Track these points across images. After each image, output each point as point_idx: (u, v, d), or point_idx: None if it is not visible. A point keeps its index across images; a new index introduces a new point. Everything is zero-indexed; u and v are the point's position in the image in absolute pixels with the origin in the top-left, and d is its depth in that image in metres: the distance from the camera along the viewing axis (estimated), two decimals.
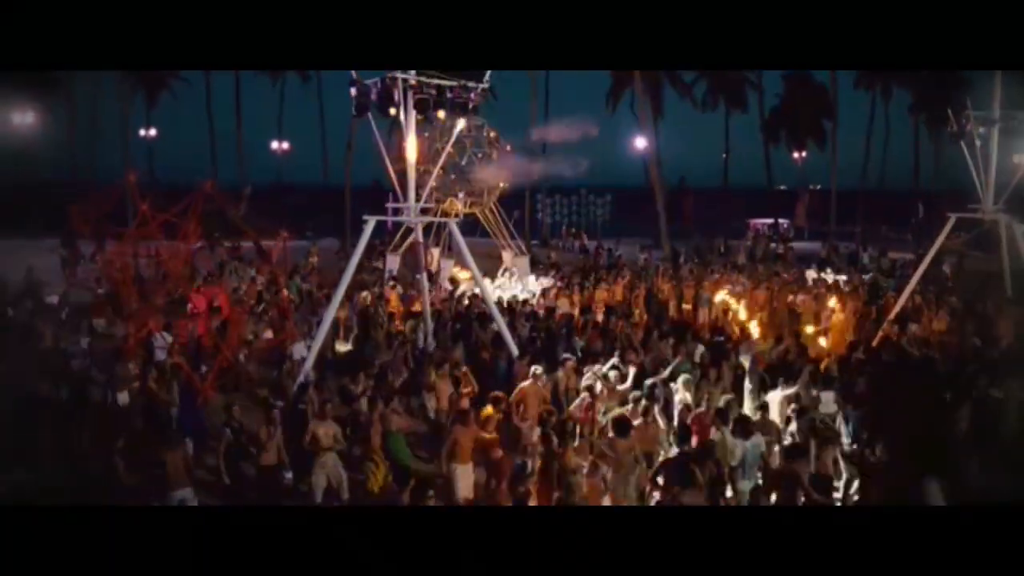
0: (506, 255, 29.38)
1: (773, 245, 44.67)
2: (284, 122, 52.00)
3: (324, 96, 49.23)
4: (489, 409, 11.57)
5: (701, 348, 15.45)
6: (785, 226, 51.50)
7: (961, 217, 21.99)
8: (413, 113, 15.22)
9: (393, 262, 28.48)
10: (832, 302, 21.50)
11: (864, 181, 50.76)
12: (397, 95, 14.88)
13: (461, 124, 18.58)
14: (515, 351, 15.47)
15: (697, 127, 46.74)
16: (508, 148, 28.19)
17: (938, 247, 22.28)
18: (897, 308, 21.58)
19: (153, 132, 47.99)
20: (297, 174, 55.17)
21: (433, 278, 23.31)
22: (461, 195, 27.83)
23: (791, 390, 12.90)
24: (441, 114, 15.65)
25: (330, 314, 16.30)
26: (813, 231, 50.82)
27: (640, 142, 44.33)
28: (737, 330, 18.60)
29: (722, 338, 16.44)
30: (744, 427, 11.16)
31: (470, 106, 15.83)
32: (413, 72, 15.13)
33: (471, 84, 15.80)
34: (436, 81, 15.25)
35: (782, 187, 56.44)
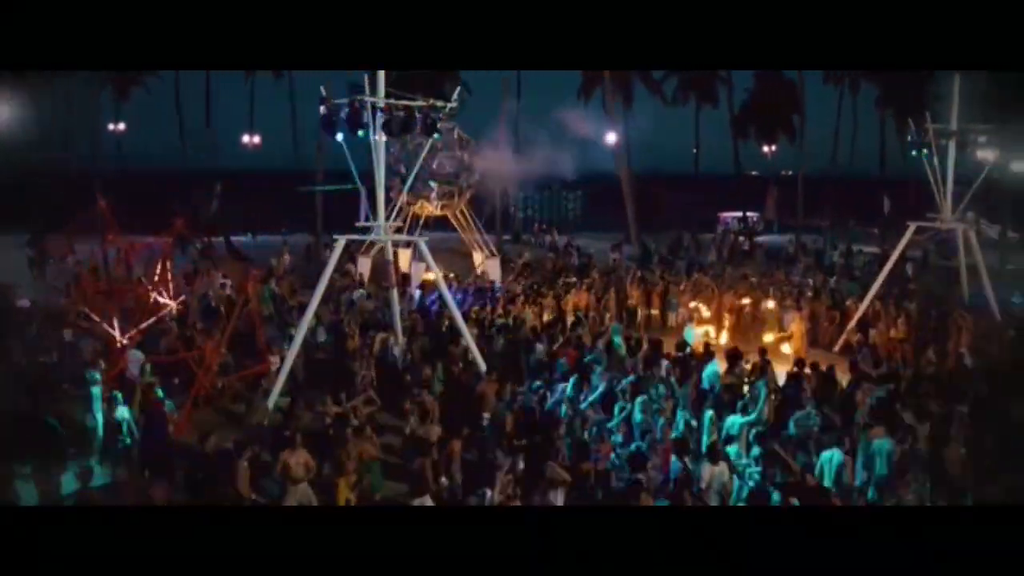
0: (477, 256, 29.64)
1: (741, 239, 45.26)
2: (255, 115, 51.83)
3: (296, 91, 48.96)
4: (456, 445, 11.90)
5: (665, 363, 15.75)
6: (754, 219, 52.04)
7: (921, 225, 22.62)
8: (382, 136, 15.38)
9: (365, 265, 28.65)
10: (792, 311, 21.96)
11: (832, 173, 51.33)
12: (366, 117, 15.02)
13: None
14: (483, 367, 15.75)
15: (668, 121, 46.87)
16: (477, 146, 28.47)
17: (899, 254, 22.85)
18: (858, 314, 22.11)
19: (122, 126, 47.59)
20: (268, 168, 54.89)
21: (404, 287, 23.36)
22: (433, 197, 28.04)
23: (752, 416, 13.15)
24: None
25: (301, 331, 16.44)
26: (783, 225, 51.42)
27: (611, 137, 44.55)
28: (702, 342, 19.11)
29: (687, 352, 16.65)
30: (712, 452, 11.49)
31: (438, 125, 16.03)
32: (382, 94, 15.33)
33: (439, 104, 16.01)
34: (405, 103, 15.43)
35: (754, 172, 56.83)
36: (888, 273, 22.98)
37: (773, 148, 53.33)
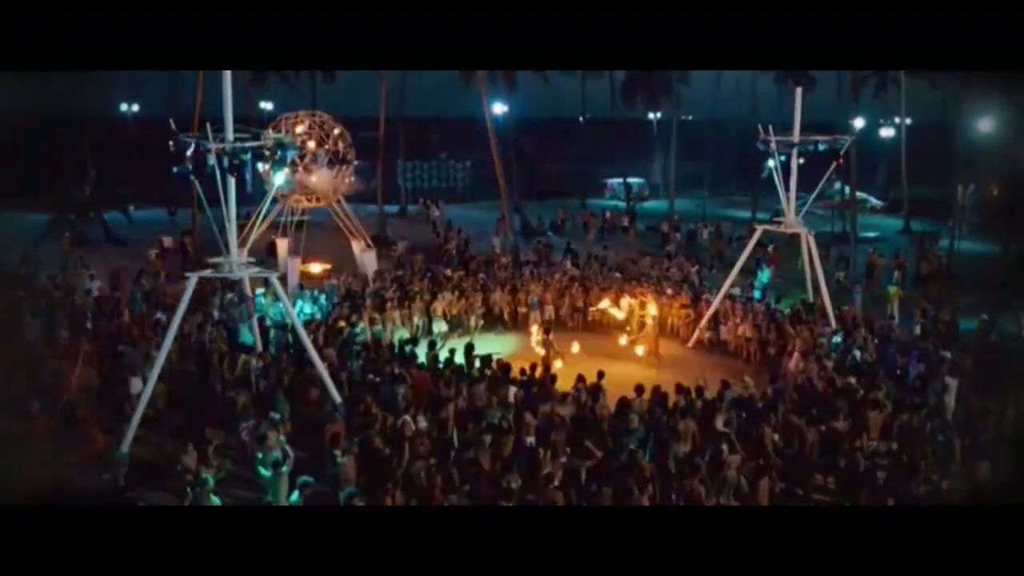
0: (355, 245, 29.91)
1: (624, 206, 46.54)
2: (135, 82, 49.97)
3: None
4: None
5: (514, 390, 16.52)
6: (640, 186, 53.28)
7: (767, 228, 24.04)
8: (231, 179, 15.53)
9: (282, 247, 28.92)
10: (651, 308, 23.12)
11: (713, 119, 52.24)
12: (211, 160, 15.14)
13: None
14: (338, 399, 16.25)
15: (553, 92, 46.67)
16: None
17: (747, 254, 24.22)
18: (710, 312, 23.44)
19: None
20: (148, 137, 53.33)
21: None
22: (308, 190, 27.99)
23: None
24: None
25: (162, 355, 16.56)
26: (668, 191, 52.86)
27: (498, 107, 44.85)
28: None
29: (530, 378, 17.37)
30: None
31: (288, 160, 16.27)
32: (231, 136, 15.45)
33: (287, 140, 16.24)
34: (251, 144, 15.59)
35: (653, 117, 56.66)
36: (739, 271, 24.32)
37: (658, 115, 54.34)
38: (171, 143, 15.89)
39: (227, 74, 16.23)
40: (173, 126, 15.98)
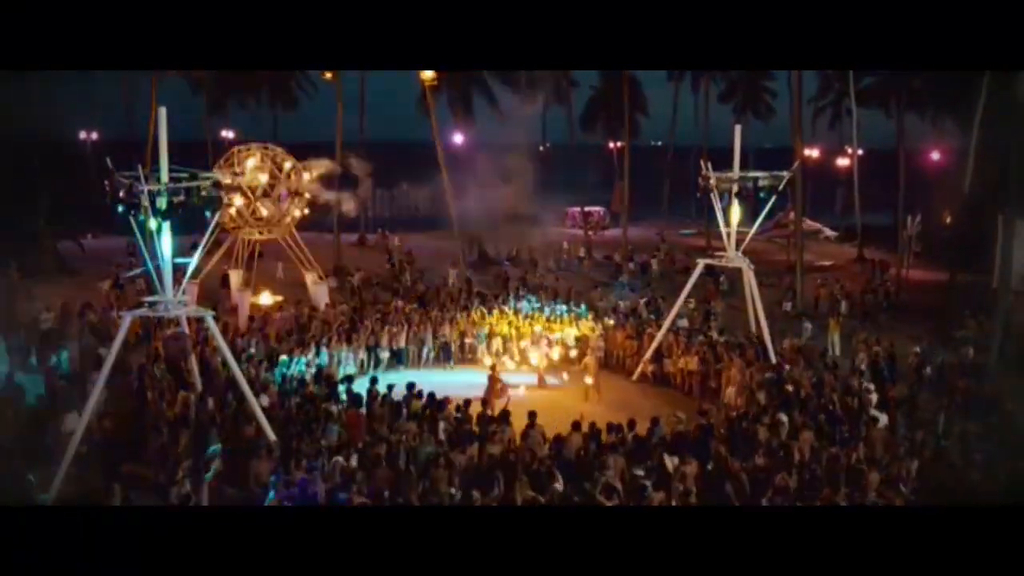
0: (308, 277, 29.92)
1: (585, 233, 46.83)
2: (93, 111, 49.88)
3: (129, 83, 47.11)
4: None
5: (444, 425, 16.61)
6: (600, 214, 53.71)
7: (708, 263, 24.47)
8: (166, 221, 15.62)
9: (235, 278, 28.91)
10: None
11: (668, 147, 52.74)
12: (144, 200, 15.22)
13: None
14: (272, 437, 16.25)
15: (515, 123, 46.81)
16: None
17: (689, 288, 24.58)
18: (654, 346, 23.71)
19: None
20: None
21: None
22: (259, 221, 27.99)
23: None
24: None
25: (96, 392, 16.47)
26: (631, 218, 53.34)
27: (458, 137, 45.18)
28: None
29: (461, 416, 17.47)
30: None
31: (224, 199, 16.39)
32: (165, 178, 15.55)
33: (225, 180, 16.37)
34: (186, 184, 15.69)
35: (618, 143, 56.97)
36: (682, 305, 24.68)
37: (619, 144, 54.89)
38: (106, 183, 16.00)
39: (162, 111, 16.50)
40: (110, 164, 16.04)
